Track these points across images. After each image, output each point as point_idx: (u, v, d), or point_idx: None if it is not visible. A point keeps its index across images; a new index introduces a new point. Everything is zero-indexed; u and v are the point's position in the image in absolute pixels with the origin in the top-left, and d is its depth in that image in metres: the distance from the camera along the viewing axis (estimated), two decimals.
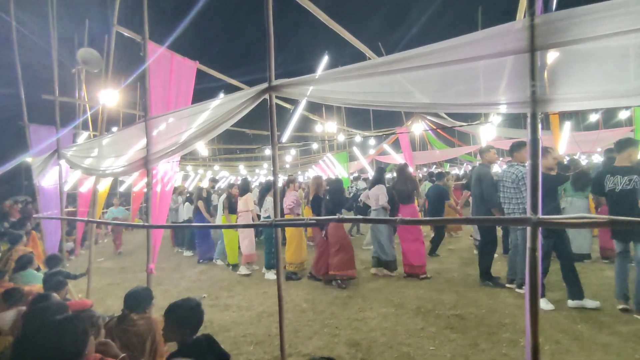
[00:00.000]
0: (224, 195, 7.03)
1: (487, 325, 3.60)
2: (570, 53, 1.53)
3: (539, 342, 1.51)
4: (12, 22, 5.71)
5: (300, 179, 19.25)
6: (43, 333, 1.53)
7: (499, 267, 5.36)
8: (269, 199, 6.25)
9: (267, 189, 6.48)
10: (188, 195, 8.83)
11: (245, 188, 6.46)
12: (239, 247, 6.55)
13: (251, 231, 6.43)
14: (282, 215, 6.33)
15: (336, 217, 2.35)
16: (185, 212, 8.28)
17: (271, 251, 5.97)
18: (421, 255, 5.37)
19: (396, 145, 13.89)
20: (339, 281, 5.15)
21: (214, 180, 10.19)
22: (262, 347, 3.45)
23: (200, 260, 7.32)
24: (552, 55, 1.57)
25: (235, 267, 6.53)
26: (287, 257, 5.88)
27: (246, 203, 6.31)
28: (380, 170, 6.19)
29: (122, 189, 14.02)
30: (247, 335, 3.72)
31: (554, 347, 3.10)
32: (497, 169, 11.25)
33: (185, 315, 2.00)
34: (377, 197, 5.53)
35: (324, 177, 7.83)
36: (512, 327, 3.52)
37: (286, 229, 6.13)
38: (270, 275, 5.87)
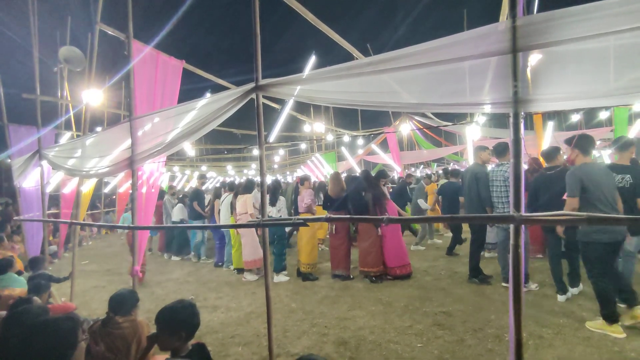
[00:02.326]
0: (229, 196, 6.67)
1: (473, 322, 3.66)
2: (552, 54, 1.56)
3: (523, 337, 1.54)
4: None
5: (289, 179, 19.23)
6: (25, 335, 1.50)
7: (483, 265, 5.44)
8: (282, 199, 6.09)
9: (277, 187, 6.24)
10: (181, 195, 8.53)
11: (248, 188, 6.11)
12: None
13: (254, 236, 5.90)
14: (297, 213, 6.25)
15: (324, 216, 2.34)
16: (177, 213, 7.82)
17: (282, 253, 5.82)
18: (405, 254, 5.38)
19: (384, 145, 13.99)
20: (373, 278, 5.22)
21: (202, 177, 9.06)
22: (250, 347, 3.43)
23: (219, 264, 6.89)
24: (535, 57, 1.61)
25: (240, 271, 6.17)
26: (302, 259, 5.74)
27: (244, 205, 5.95)
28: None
29: (107, 190, 13.76)
30: (235, 336, 3.70)
31: (537, 342, 3.16)
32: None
33: (178, 317, 1.87)
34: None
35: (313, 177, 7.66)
36: (497, 323, 3.58)
37: (299, 229, 5.98)
38: (281, 277, 5.68)
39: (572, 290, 4.17)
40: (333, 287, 5.14)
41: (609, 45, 1.44)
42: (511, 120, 1.56)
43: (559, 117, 11.79)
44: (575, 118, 11.97)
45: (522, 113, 1.56)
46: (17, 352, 1.46)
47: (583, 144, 3.53)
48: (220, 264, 6.91)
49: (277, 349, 3.33)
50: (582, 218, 1.41)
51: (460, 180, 7.11)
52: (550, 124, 7.76)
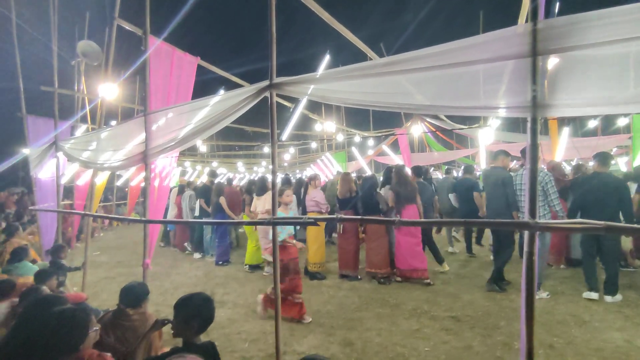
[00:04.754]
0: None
1: (482, 328, 3.61)
2: (570, 59, 1.53)
3: (533, 345, 1.52)
4: (12, 15, 5.70)
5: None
6: (40, 323, 1.53)
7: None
8: (293, 197, 6.09)
9: (287, 184, 6.19)
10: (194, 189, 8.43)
11: (263, 187, 6.08)
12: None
13: (269, 228, 5.73)
14: (305, 212, 6.21)
15: (334, 216, 2.34)
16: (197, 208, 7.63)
17: None
18: (422, 258, 5.23)
19: (395, 146, 13.91)
20: (381, 279, 5.22)
21: (213, 175, 8.49)
22: (256, 344, 3.45)
23: (220, 262, 6.67)
24: (552, 61, 1.58)
25: (252, 268, 6.16)
26: (309, 258, 5.74)
27: (264, 204, 5.89)
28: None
29: (119, 183, 13.96)
30: (242, 332, 3.72)
31: (548, 351, 3.11)
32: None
33: (194, 308, 1.93)
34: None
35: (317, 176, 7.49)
36: (506, 330, 3.53)
37: (307, 228, 5.95)
38: None
39: (607, 298, 4.15)
40: (340, 287, 5.13)
41: (630, 50, 1.41)
42: (529, 125, 1.53)
43: (575, 123, 11.55)
44: (592, 124, 11.71)
45: (540, 118, 1.53)
46: (32, 338, 1.50)
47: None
48: (220, 262, 6.70)
49: (284, 347, 3.34)
50: (600, 226, 1.37)
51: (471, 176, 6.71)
52: (566, 130, 7.61)
